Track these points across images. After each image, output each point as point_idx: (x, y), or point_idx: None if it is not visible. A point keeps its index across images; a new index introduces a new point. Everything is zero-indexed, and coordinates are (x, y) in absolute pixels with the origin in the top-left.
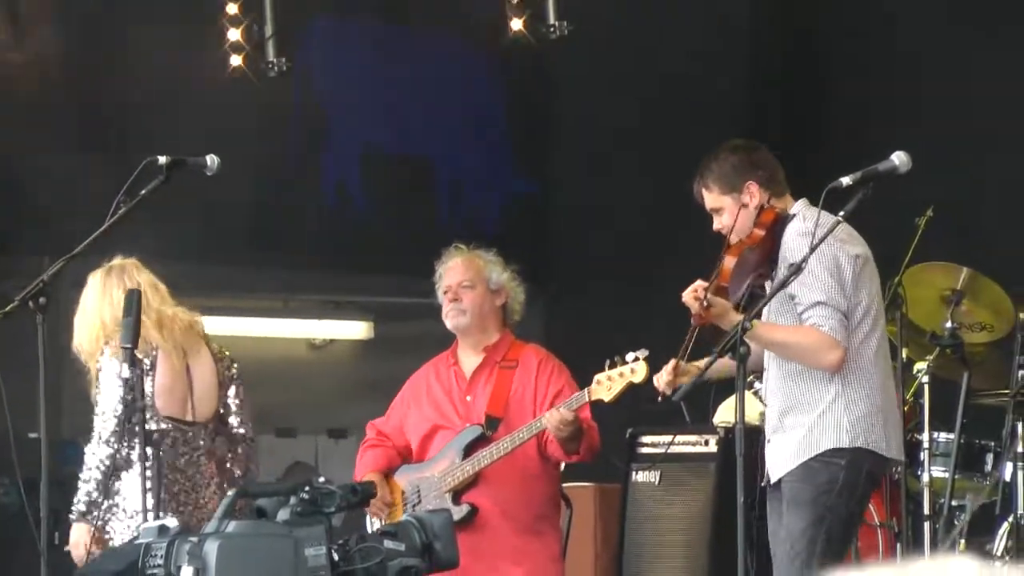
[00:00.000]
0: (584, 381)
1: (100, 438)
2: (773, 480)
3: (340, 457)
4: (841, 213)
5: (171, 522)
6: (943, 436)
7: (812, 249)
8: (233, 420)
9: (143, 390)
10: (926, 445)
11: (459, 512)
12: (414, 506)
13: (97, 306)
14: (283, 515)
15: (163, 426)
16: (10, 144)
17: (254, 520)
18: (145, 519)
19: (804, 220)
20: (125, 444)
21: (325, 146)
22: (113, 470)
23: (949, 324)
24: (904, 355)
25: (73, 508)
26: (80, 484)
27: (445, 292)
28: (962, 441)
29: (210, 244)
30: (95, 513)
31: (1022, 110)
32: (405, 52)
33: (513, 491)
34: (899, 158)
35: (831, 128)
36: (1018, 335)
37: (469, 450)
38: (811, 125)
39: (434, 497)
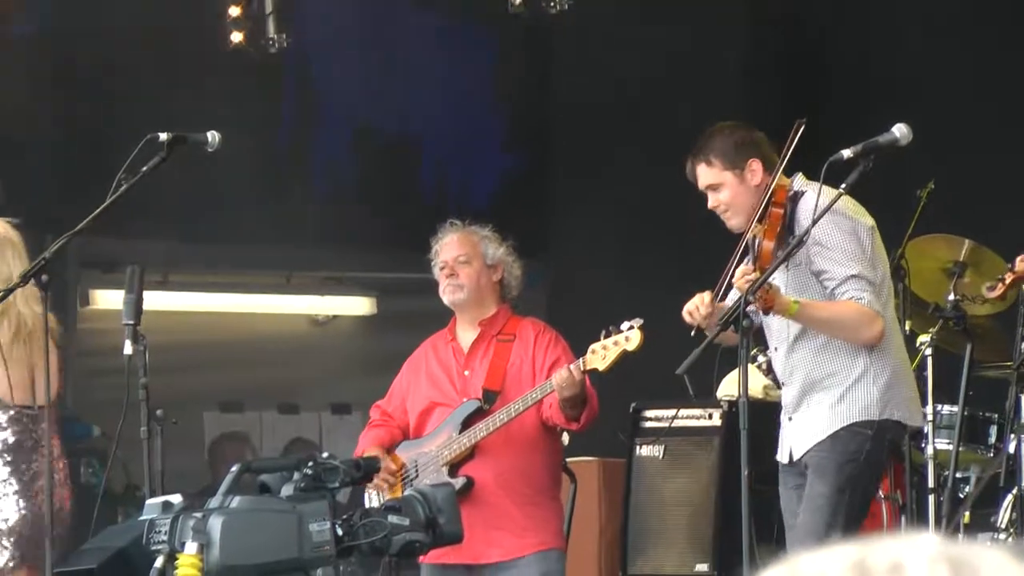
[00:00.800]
0: (582, 353)
1: None
2: (796, 458)
3: (344, 433)
4: (843, 186)
5: (175, 498)
6: (946, 408)
7: (813, 223)
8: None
9: (146, 367)
10: (930, 417)
11: (456, 484)
12: (412, 481)
13: None
14: (287, 490)
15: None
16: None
17: (258, 495)
18: (150, 495)
19: (815, 196)
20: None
21: (322, 122)
22: None
23: (952, 296)
24: (907, 328)
25: None
26: None
27: (442, 268)
28: (966, 413)
29: (212, 221)
30: None
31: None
32: (399, 28)
33: (511, 463)
34: (900, 130)
35: (831, 100)
36: (1021, 307)
37: (467, 424)
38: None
39: (432, 471)
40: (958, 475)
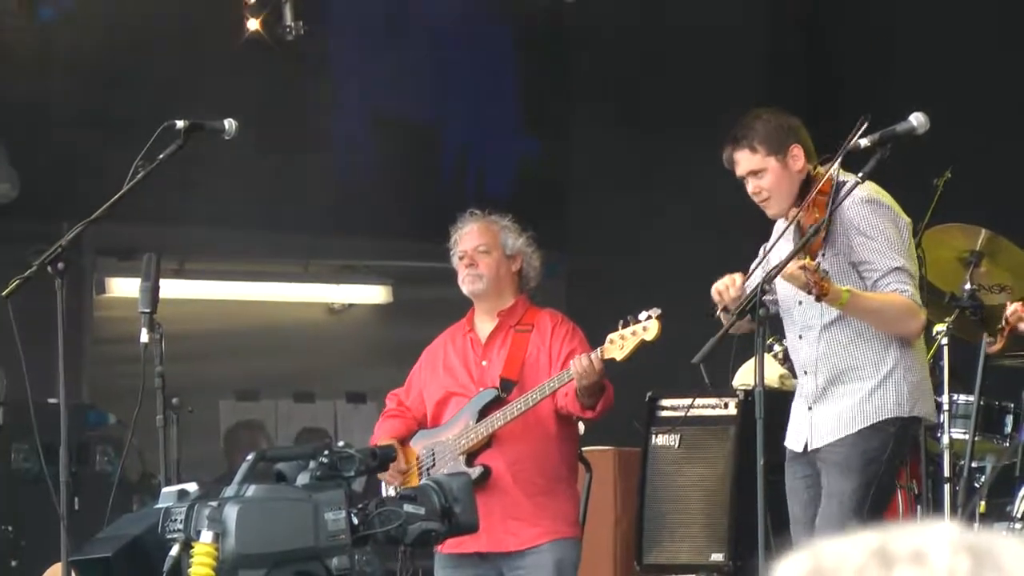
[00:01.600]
0: (600, 343)
1: None
2: (812, 447)
3: (359, 421)
4: (860, 174)
5: (191, 486)
6: (962, 398)
7: (830, 213)
8: None
9: (162, 355)
10: (946, 407)
11: (472, 474)
12: (428, 469)
13: None
14: (302, 479)
15: None
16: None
17: (274, 484)
18: (166, 483)
19: (858, 187)
20: None
21: (341, 109)
22: None
23: (968, 286)
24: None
25: None
26: None
27: (461, 258)
28: (981, 403)
29: (230, 209)
30: None
31: None
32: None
33: (528, 453)
34: (917, 119)
35: (848, 89)
36: None
37: (484, 413)
38: (828, 86)
39: (448, 460)
40: (974, 464)
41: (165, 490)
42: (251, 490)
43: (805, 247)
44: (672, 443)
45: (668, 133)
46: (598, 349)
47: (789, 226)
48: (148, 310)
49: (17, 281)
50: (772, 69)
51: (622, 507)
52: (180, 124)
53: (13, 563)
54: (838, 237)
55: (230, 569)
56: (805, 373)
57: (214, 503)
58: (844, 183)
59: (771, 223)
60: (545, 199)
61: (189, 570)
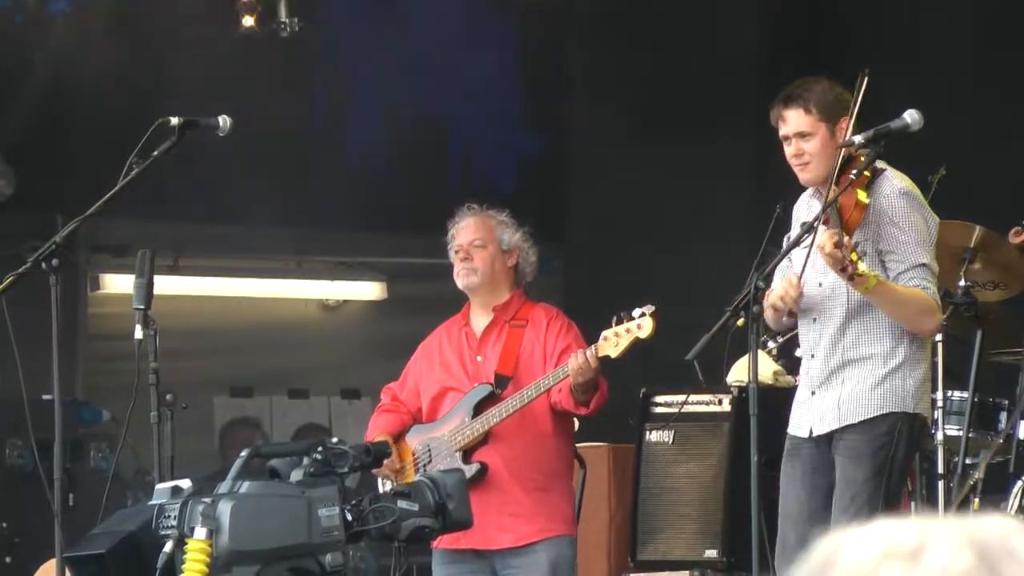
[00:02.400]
0: (596, 340)
1: None
2: (816, 433)
3: (353, 418)
4: (854, 172)
5: (184, 483)
6: (956, 394)
7: (826, 206)
8: None
9: (156, 351)
10: (940, 403)
11: (469, 471)
12: (425, 465)
13: None
14: (296, 475)
15: None
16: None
17: (267, 480)
18: (160, 480)
19: (899, 179)
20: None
21: (342, 106)
22: None
23: (962, 282)
24: None
25: None
26: None
27: (457, 252)
28: (976, 399)
29: (224, 204)
30: None
31: None
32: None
33: (523, 449)
34: (911, 116)
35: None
36: None
37: (479, 409)
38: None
39: (445, 456)
40: (968, 461)
41: (159, 486)
42: (245, 486)
43: (798, 242)
44: (666, 439)
45: (669, 132)
46: (592, 346)
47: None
48: (142, 306)
49: (11, 278)
50: (771, 64)
51: (616, 503)
52: (174, 121)
53: (7, 559)
54: (870, 224)
55: (224, 565)
56: (812, 356)
57: (208, 500)
58: (883, 171)
59: (767, 224)
60: (546, 195)
61: (183, 566)
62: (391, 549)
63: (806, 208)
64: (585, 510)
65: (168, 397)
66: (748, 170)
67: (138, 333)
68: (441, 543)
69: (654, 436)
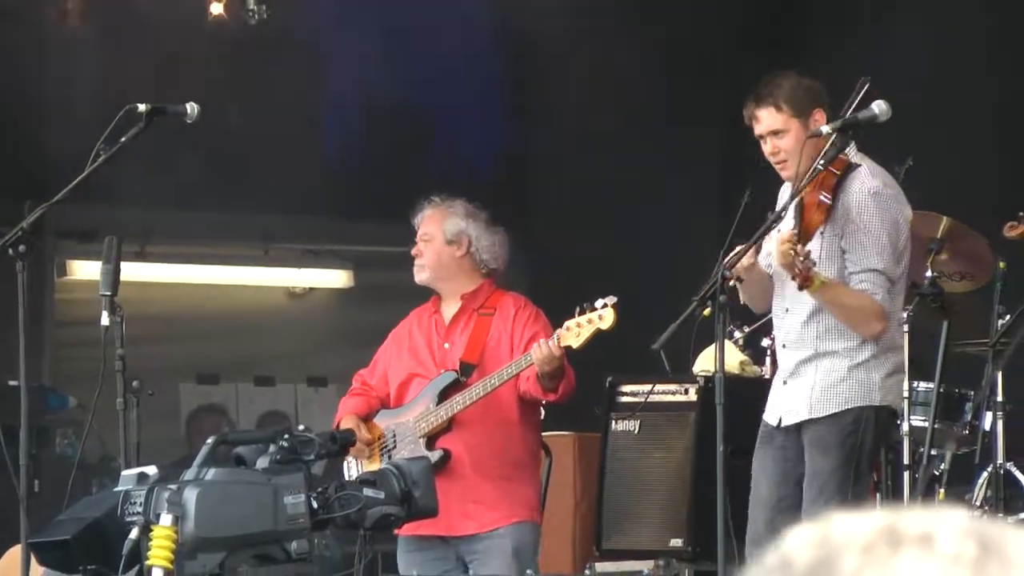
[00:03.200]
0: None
1: None
2: (785, 423)
3: (319, 405)
4: (820, 161)
5: (150, 469)
6: (922, 385)
7: (792, 198)
8: None
9: (123, 338)
10: (906, 394)
11: (432, 457)
12: (389, 451)
13: None
14: (262, 463)
15: None
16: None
17: (233, 468)
18: (126, 467)
19: (872, 176)
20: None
21: (315, 93)
22: None
23: (929, 273)
24: None
25: None
26: None
27: (415, 246)
28: (941, 390)
29: (189, 191)
30: None
31: (1003, 58)
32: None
33: (488, 437)
34: (879, 107)
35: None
36: (998, 284)
37: (444, 396)
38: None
39: (409, 442)
40: (933, 452)
41: (125, 473)
42: (211, 473)
43: (767, 232)
44: (632, 429)
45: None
46: (555, 335)
47: (792, 200)
48: (109, 293)
49: None
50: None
51: (582, 492)
52: (142, 107)
53: None
54: (838, 220)
55: (189, 552)
56: (784, 347)
57: (174, 486)
58: (857, 166)
59: (734, 213)
60: (521, 183)
61: (148, 553)
62: (356, 537)
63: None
64: (550, 499)
65: (134, 384)
66: (715, 159)
67: (104, 320)
68: (405, 530)
69: (620, 425)
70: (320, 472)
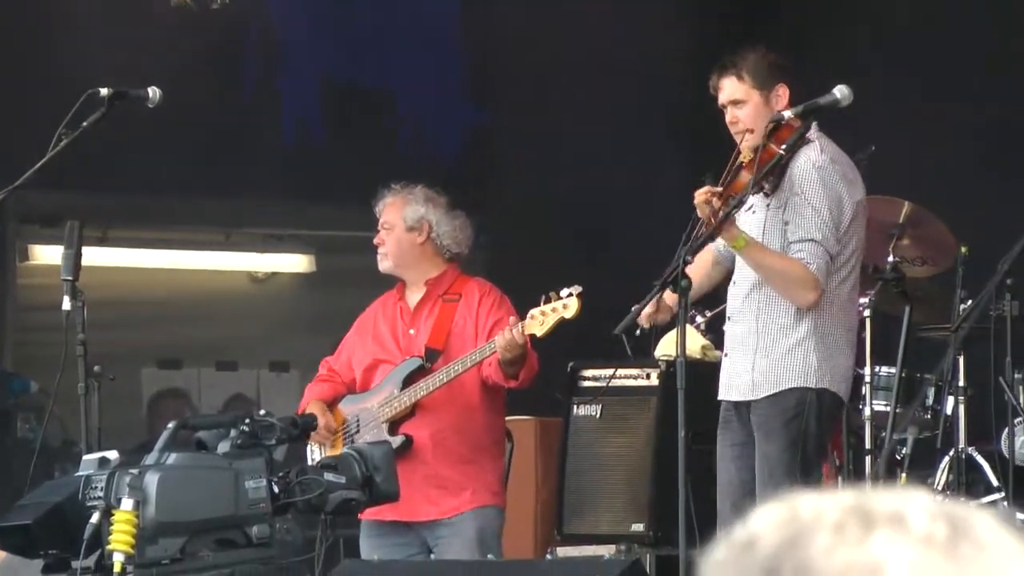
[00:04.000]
0: (525, 315)
1: None
2: (730, 398)
3: (282, 390)
4: (783, 147)
5: (111, 454)
6: (884, 370)
7: (755, 181)
8: None
9: (84, 323)
10: (868, 379)
11: (394, 442)
12: (353, 436)
13: None
14: (223, 447)
15: None
16: None
17: (194, 452)
18: (87, 451)
19: (820, 152)
20: None
21: (275, 78)
22: None
23: (891, 258)
24: None
25: None
26: None
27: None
28: (903, 375)
29: (154, 177)
30: None
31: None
32: None
33: (451, 422)
34: (841, 91)
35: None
36: (959, 269)
37: (408, 381)
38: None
39: (372, 427)
40: (895, 437)
41: (86, 458)
42: (172, 458)
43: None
44: (593, 413)
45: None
46: (519, 324)
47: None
48: (71, 278)
49: None
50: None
51: (543, 477)
52: (104, 92)
53: None
54: (784, 191)
55: (150, 537)
56: (729, 319)
57: (135, 471)
58: (809, 141)
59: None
60: (485, 167)
61: (109, 537)
62: (318, 521)
63: None
64: (512, 484)
65: (96, 368)
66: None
67: (66, 304)
68: (368, 515)
69: (582, 410)
70: (281, 457)
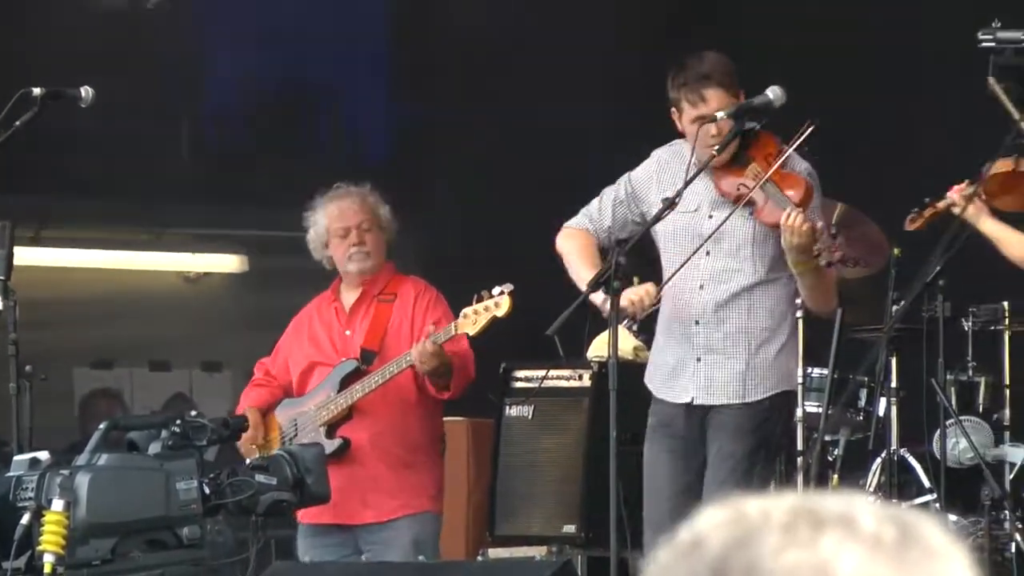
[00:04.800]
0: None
1: None
2: (698, 402)
3: (215, 390)
4: (716, 148)
5: (42, 455)
6: (817, 371)
7: (686, 184)
8: None
9: (16, 322)
10: (800, 380)
11: (332, 446)
12: (290, 440)
13: None
14: (154, 448)
15: None
16: None
17: (126, 453)
18: (18, 452)
19: (800, 159)
20: None
21: (200, 78)
22: None
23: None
24: None
25: None
26: None
27: (343, 235)
28: (835, 376)
29: (86, 177)
30: None
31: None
32: None
33: (388, 424)
34: (774, 92)
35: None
36: (892, 271)
37: (345, 384)
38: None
39: (310, 431)
40: (827, 438)
41: (17, 458)
42: (103, 459)
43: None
44: (526, 414)
45: (530, 104)
46: (452, 323)
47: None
48: (2, 277)
49: None
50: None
51: (475, 478)
52: (36, 91)
53: None
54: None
55: (81, 537)
56: (697, 323)
57: (66, 471)
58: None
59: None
60: (418, 165)
61: (40, 538)
62: (249, 523)
63: (671, 178)
64: (444, 485)
65: (27, 368)
66: (618, 144)
67: None
68: (306, 517)
69: (514, 411)
70: (212, 458)
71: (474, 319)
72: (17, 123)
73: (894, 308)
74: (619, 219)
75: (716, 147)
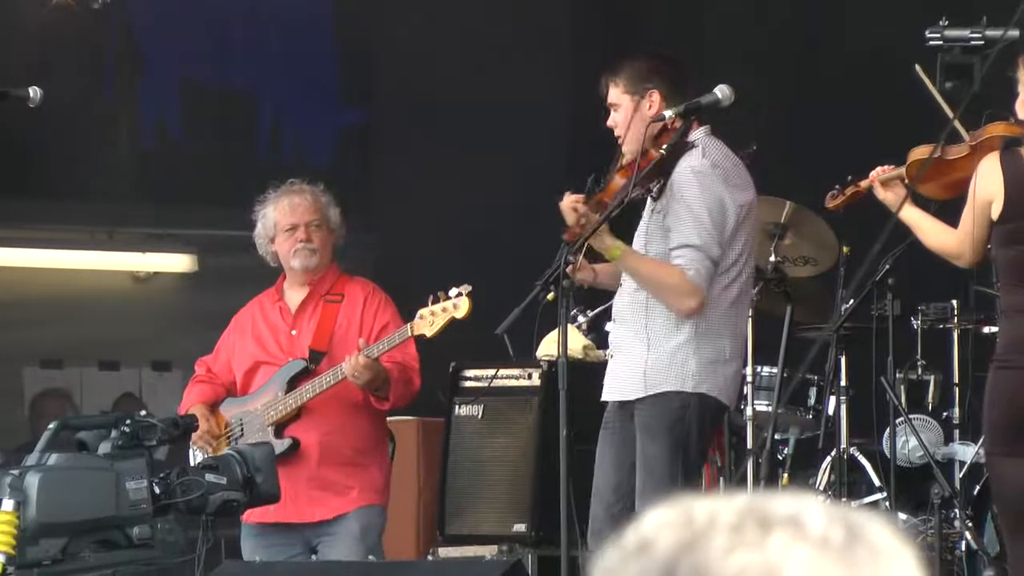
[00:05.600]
0: (409, 317)
1: None
2: (613, 399)
3: (164, 390)
4: (663, 148)
5: None
6: (766, 370)
7: (633, 186)
8: None
9: None
10: (749, 379)
11: (281, 446)
12: (237, 439)
13: None
14: (104, 448)
15: None
16: None
17: (75, 453)
18: None
19: (702, 156)
20: None
21: (145, 78)
22: None
23: (773, 258)
24: None
25: None
26: None
27: (291, 230)
28: (785, 375)
29: (34, 177)
30: None
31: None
32: None
33: (336, 424)
34: (722, 91)
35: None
36: (841, 269)
37: (293, 384)
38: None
39: (257, 430)
40: (777, 437)
41: None
42: (53, 459)
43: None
44: (475, 413)
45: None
46: (407, 326)
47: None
48: None
49: None
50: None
51: (425, 477)
52: None
53: None
54: (665, 196)
55: (31, 537)
56: (614, 321)
57: (15, 471)
58: (692, 145)
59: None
60: (362, 169)
61: None
62: (199, 522)
63: None
64: (394, 484)
65: None
66: (564, 133)
67: None
68: (251, 517)
69: (463, 410)
70: (163, 457)
71: (431, 320)
72: None
73: (843, 307)
74: None
75: (664, 148)
